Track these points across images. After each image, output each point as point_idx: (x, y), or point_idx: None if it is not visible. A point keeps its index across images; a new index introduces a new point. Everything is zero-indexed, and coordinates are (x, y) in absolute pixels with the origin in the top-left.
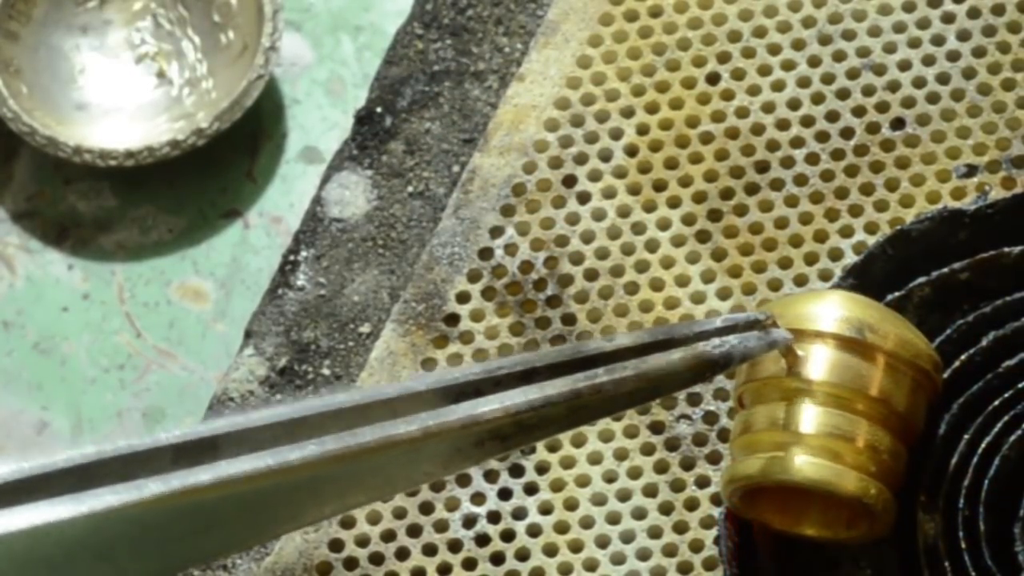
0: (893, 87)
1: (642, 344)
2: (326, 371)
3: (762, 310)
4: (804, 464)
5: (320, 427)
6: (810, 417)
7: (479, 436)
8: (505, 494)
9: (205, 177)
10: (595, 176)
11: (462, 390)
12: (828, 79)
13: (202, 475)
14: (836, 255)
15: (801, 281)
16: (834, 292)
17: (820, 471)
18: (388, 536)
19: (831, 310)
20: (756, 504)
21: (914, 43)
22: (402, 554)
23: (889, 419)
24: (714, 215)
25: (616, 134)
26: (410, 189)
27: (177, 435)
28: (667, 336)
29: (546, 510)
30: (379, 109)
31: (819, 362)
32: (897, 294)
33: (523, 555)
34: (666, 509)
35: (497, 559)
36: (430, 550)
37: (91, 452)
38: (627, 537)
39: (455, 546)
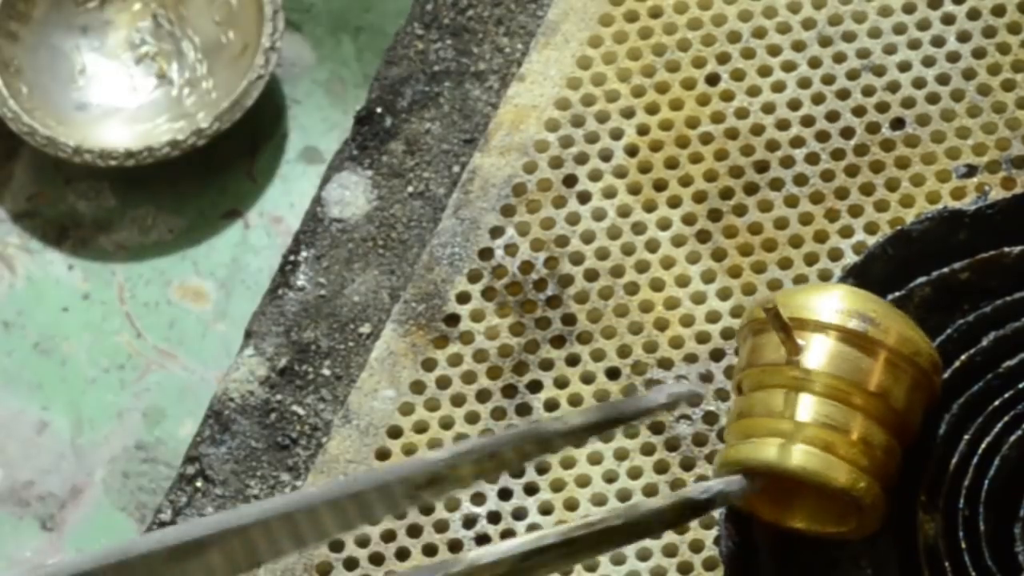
0: (893, 87)
1: (594, 423)
2: (326, 371)
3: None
4: (796, 453)
5: (312, 519)
6: (806, 407)
7: None
8: (505, 494)
9: (205, 177)
10: (595, 176)
11: (428, 480)
12: (828, 80)
13: None
14: (836, 255)
15: (801, 281)
16: (839, 285)
17: (811, 460)
18: (388, 536)
19: (835, 302)
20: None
21: (914, 44)
22: (402, 554)
23: (885, 415)
24: (714, 215)
25: (616, 134)
26: (410, 189)
27: (167, 535)
28: (617, 413)
29: (546, 510)
30: (379, 109)
31: (819, 353)
32: (898, 294)
33: None
34: None
35: None
36: (430, 550)
37: (88, 559)
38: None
39: (455, 546)
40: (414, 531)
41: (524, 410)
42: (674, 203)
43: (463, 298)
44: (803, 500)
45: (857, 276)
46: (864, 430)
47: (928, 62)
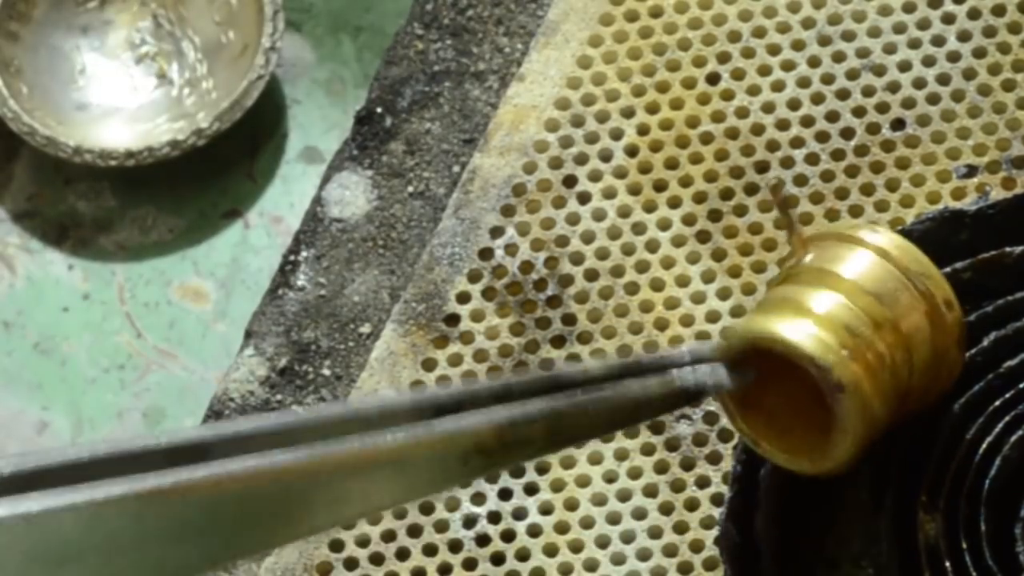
0: (893, 88)
1: (613, 372)
2: (326, 371)
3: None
4: (778, 323)
5: (307, 436)
6: (805, 295)
7: (464, 450)
8: (505, 494)
9: (205, 177)
10: (595, 176)
11: (442, 406)
12: (828, 79)
13: (197, 471)
14: None
15: None
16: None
17: (790, 330)
18: (388, 536)
19: (894, 243)
20: (750, 404)
21: (914, 44)
22: (402, 554)
23: (884, 324)
24: (714, 215)
25: (616, 134)
26: (410, 189)
27: (169, 438)
28: (636, 365)
29: (546, 510)
30: (379, 109)
31: (839, 258)
32: None
33: (523, 555)
34: (666, 509)
35: (497, 559)
36: (430, 550)
37: (85, 449)
38: (627, 537)
39: (455, 546)
40: (414, 531)
41: None
42: (674, 203)
43: (463, 298)
44: (792, 412)
45: None
46: (855, 322)
47: (928, 62)
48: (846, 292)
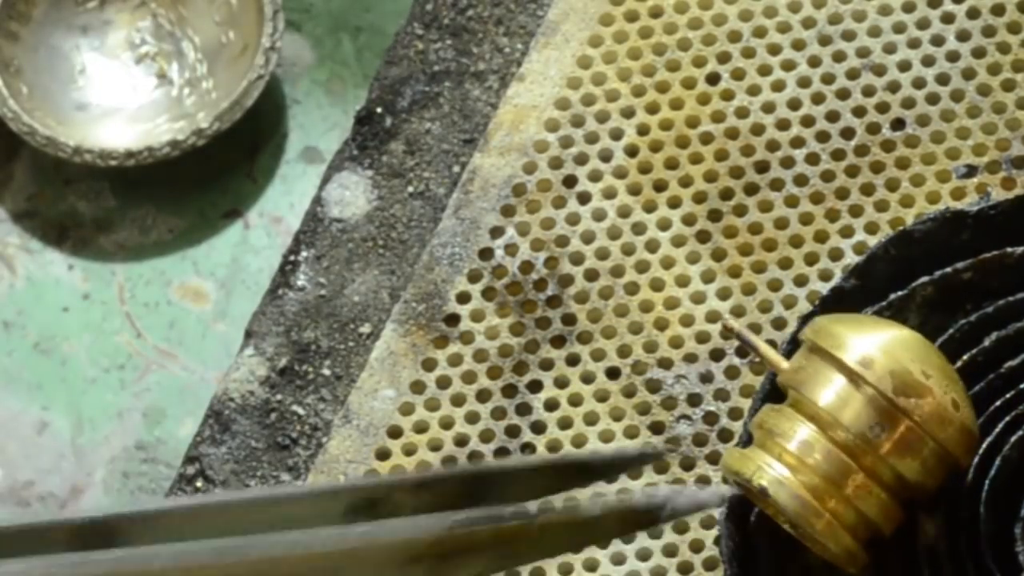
0: (893, 87)
1: (542, 467)
2: (326, 371)
3: (652, 446)
4: (781, 488)
5: (223, 521)
6: (811, 448)
7: (406, 557)
8: None
9: (205, 177)
10: (595, 176)
11: (355, 502)
12: (828, 79)
13: (95, 557)
14: (836, 255)
15: (801, 281)
16: (888, 326)
17: (792, 503)
18: None
19: (874, 349)
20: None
21: (914, 43)
22: None
23: (892, 481)
24: (714, 215)
25: (616, 134)
26: (410, 189)
27: (77, 517)
28: (569, 463)
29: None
30: (379, 109)
31: (838, 399)
32: (900, 293)
33: None
34: None
35: None
36: None
37: None
38: (627, 537)
39: None
40: None
41: (524, 410)
42: (674, 203)
43: (463, 298)
44: None
45: (859, 276)
46: (860, 491)
47: (928, 61)
48: (868, 466)
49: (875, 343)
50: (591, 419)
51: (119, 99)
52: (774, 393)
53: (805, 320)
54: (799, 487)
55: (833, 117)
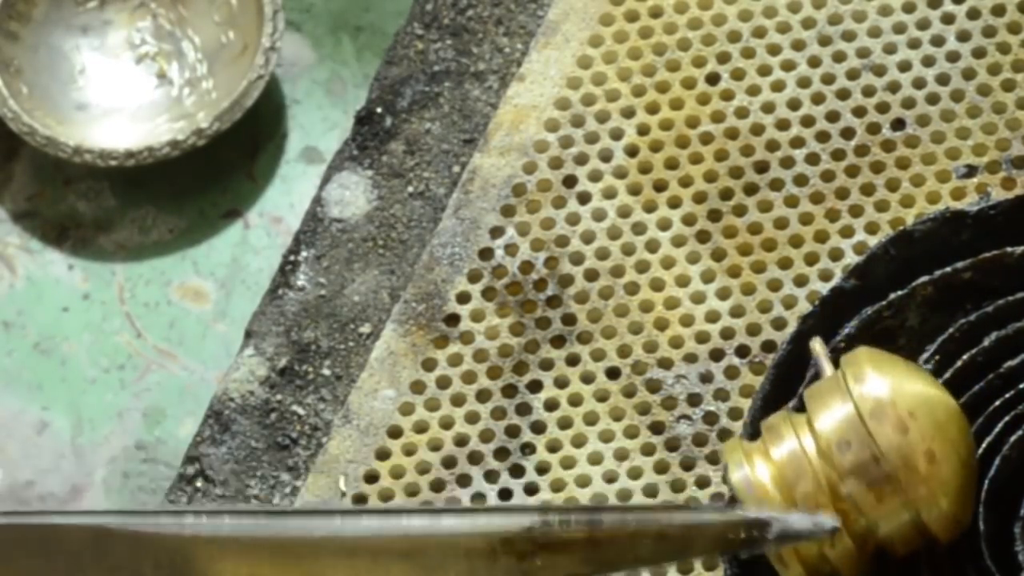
0: (893, 88)
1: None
2: (326, 371)
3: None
4: (746, 492)
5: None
6: (795, 462)
7: (491, 546)
8: (506, 494)
9: (205, 177)
10: (595, 176)
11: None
12: (828, 79)
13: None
14: (836, 255)
15: (801, 281)
16: (923, 383)
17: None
18: None
19: (888, 418)
20: None
21: (914, 44)
22: None
23: (861, 531)
24: (714, 215)
25: (616, 134)
26: (410, 189)
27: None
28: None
29: None
30: (379, 109)
31: (825, 405)
32: (901, 293)
33: None
34: None
35: None
36: None
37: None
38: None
39: None
40: None
41: (524, 410)
42: (674, 203)
43: (463, 298)
44: None
45: (859, 276)
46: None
47: (928, 62)
48: (816, 443)
49: (894, 390)
50: (591, 419)
51: (119, 99)
52: (774, 393)
53: (805, 320)
54: (766, 496)
55: (833, 117)
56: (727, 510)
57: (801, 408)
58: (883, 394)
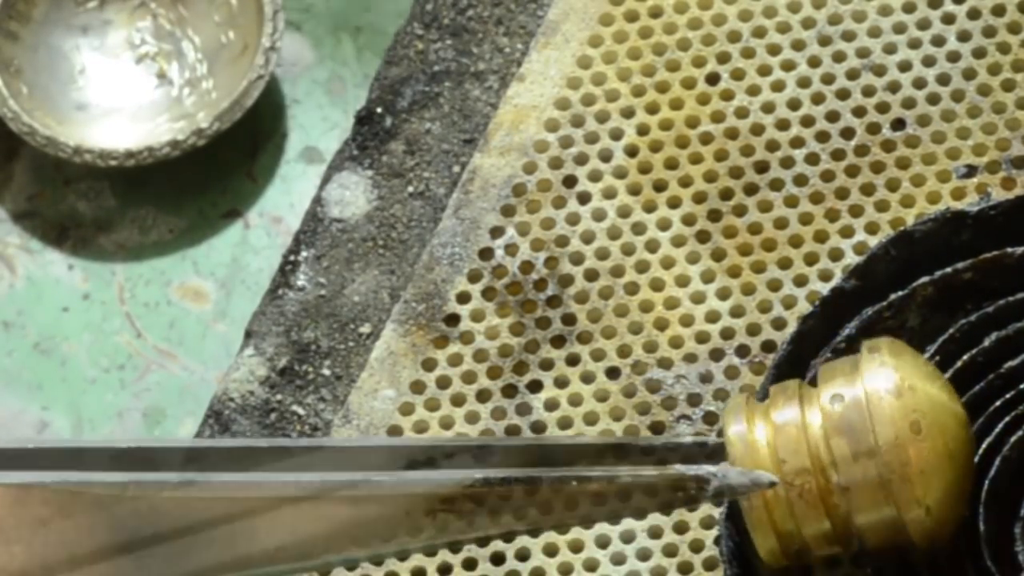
0: (893, 88)
1: (606, 448)
2: (326, 371)
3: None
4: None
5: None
6: (790, 428)
7: (430, 503)
8: None
9: (205, 177)
10: (595, 176)
11: (414, 456)
12: (828, 79)
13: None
14: (836, 255)
15: (801, 281)
16: (938, 387)
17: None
18: None
19: (894, 415)
20: None
21: (914, 44)
22: (402, 554)
23: (833, 510)
24: (714, 215)
25: (616, 134)
26: (410, 189)
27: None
28: (633, 445)
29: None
30: (379, 109)
31: (835, 381)
32: (900, 293)
33: (523, 555)
34: None
35: (497, 559)
36: (431, 550)
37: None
38: (627, 537)
39: (456, 546)
40: None
41: (524, 410)
42: (674, 203)
43: (463, 298)
44: None
45: (859, 277)
46: (806, 497)
47: (928, 62)
48: (819, 418)
49: (907, 388)
50: (591, 419)
51: (119, 99)
52: None
53: (805, 320)
54: (756, 456)
55: (833, 117)
56: (666, 468)
57: (815, 383)
58: (894, 390)
